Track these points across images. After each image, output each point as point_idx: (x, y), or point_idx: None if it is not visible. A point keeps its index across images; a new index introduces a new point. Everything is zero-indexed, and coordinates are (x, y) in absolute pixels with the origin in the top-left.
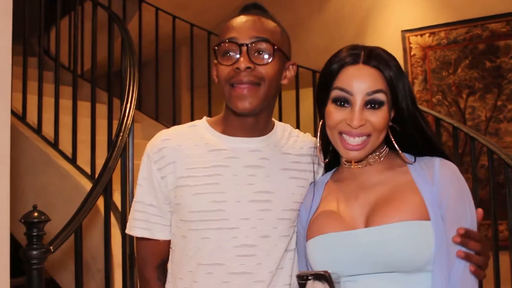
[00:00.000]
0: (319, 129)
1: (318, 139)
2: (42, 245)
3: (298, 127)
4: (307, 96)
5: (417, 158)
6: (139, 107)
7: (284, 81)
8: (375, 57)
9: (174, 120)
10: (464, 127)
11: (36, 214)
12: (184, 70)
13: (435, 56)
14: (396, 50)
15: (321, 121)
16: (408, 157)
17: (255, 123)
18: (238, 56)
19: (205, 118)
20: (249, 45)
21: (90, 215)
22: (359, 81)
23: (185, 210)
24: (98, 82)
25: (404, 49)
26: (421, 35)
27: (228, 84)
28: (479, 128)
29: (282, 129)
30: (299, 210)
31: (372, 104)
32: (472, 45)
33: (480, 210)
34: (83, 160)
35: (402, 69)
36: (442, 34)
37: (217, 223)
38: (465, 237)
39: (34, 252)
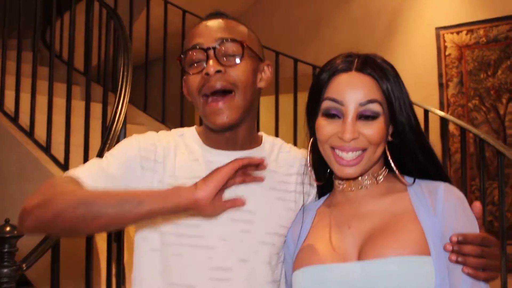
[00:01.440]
0: (309, 147)
1: (309, 157)
2: (13, 262)
3: None
4: None
5: (419, 181)
6: (144, 108)
7: (261, 84)
8: (370, 64)
9: (181, 123)
10: (491, 139)
11: (8, 228)
12: None
13: (472, 56)
14: (429, 49)
15: (312, 138)
16: (407, 179)
17: (233, 136)
18: (205, 61)
19: (194, 127)
20: (216, 47)
21: None
22: (352, 90)
23: (165, 219)
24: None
25: (438, 48)
26: (458, 32)
27: (200, 96)
28: None
29: (270, 144)
30: (285, 236)
31: (366, 115)
32: None
33: (477, 203)
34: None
35: (400, 78)
36: (481, 31)
37: (191, 240)
38: (460, 243)
39: (5, 270)
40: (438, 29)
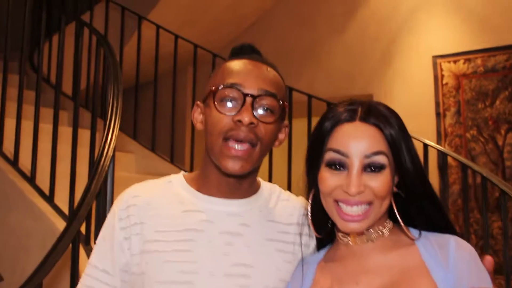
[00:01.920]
0: (310, 198)
1: (309, 209)
2: None
3: None
4: None
5: (426, 234)
6: (134, 135)
7: (276, 144)
8: (374, 113)
9: (172, 151)
10: (494, 178)
11: None
12: (189, 92)
13: (470, 85)
14: (426, 78)
15: (313, 190)
16: (413, 232)
17: (238, 184)
18: (240, 107)
19: (182, 173)
20: (256, 97)
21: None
22: (356, 141)
23: (151, 280)
24: (89, 106)
25: (435, 77)
26: (455, 61)
27: (221, 137)
28: None
29: (269, 191)
30: None
31: (371, 167)
32: None
33: (489, 257)
34: (63, 197)
35: (405, 126)
36: (479, 61)
37: None
38: None
39: None
40: (435, 57)
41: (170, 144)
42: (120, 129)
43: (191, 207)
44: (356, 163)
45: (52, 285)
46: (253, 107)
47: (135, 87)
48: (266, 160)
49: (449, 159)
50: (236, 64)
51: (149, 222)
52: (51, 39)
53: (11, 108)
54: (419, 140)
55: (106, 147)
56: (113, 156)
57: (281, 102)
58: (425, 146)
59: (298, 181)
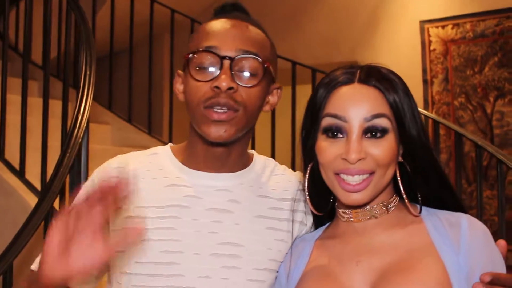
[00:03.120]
0: (307, 173)
1: (306, 184)
2: None
3: (293, 131)
4: (306, 94)
5: (436, 211)
6: (109, 105)
7: (266, 108)
8: (375, 75)
9: (149, 122)
10: (490, 146)
11: None
12: (166, 60)
13: (458, 51)
14: (413, 44)
15: (311, 163)
16: (419, 209)
17: (226, 155)
18: (218, 71)
19: (169, 145)
20: (234, 59)
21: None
22: (355, 104)
23: (131, 259)
24: (61, 75)
25: (423, 43)
26: (443, 26)
27: (201, 106)
28: (508, 138)
29: (262, 165)
30: (277, 272)
31: (373, 132)
32: (503, 39)
33: (503, 242)
34: (34, 172)
35: (409, 91)
36: (468, 26)
37: (168, 280)
38: (492, 284)
39: None
40: (422, 22)
41: (147, 114)
42: (95, 99)
43: (177, 181)
44: (355, 127)
45: (24, 266)
46: (231, 71)
47: (109, 56)
48: None
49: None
50: (213, 25)
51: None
52: (17, 4)
53: None
54: (428, 116)
55: (79, 118)
56: (87, 127)
57: (265, 65)
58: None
59: (281, 148)
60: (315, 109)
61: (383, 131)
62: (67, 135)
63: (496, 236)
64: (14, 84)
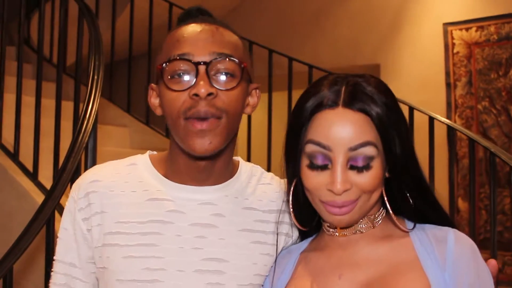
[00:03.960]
0: (291, 190)
1: (290, 202)
2: None
3: None
4: None
5: (423, 226)
6: (128, 108)
7: (247, 110)
8: (360, 96)
9: (167, 125)
10: (504, 154)
11: None
12: None
13: (482, 54)
14: (436, 46)
15: (294, 181)
16: (409, 224)
17: (210, 167)
18: (194, 79)
19: (148, 153)
20: (209, 63)
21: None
22: (339, 132)
23: (112, 277)
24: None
25: (446, 46)
26: (467, 29)
27: (182, 118)
28: None
29: (248, 174)
30: (262, 286)
31: (358, 166)
32: None
33: (493, 261)
34: (47, 174)
35: (397, 105)
36: (492, 28)
37: None
38: None
39: None
40: (446, 25)
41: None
42: (114, 102)
43: (158, 195)
44: (340, 157)
45: (26, 270)
46: (208, 76)
47: (128, 58)
48: (265, 128)
49: (460, 133)
50: (182, 32)
51: (110, 211)
52: (41, 9)
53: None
54: (425, 113)
55: (85, 121)
56: (94, 130)
57: (242, 65)
58: (431, 119)
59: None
60: (297, 130)
61: (369, 159)
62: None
63: None
64: (33, 86)
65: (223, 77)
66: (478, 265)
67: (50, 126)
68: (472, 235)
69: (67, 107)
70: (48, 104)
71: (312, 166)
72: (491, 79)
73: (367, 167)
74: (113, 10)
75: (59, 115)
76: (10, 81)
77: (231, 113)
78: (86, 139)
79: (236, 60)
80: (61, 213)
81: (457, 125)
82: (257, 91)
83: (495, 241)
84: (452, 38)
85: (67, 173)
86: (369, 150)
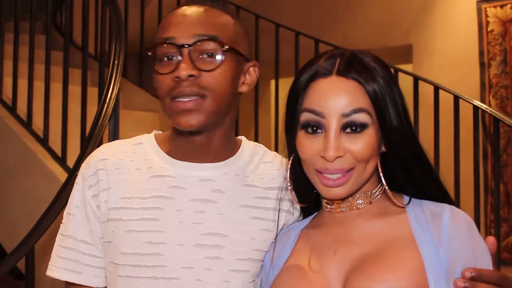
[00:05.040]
0: (289, 165)
1: (288, 177)
2: None
3: None
4: None
5: (420, 201)
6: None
7: (243, 88)
8: (355, 66)
9: None
10: None
11: None
12: None
13: None
14: (470, 25)
15: (292, 155)
16: (405, 199)
17: (206, 143)
18: (178, 61)
19: (154, 132)
20: (191, 46)
21: None
22: (332, 99)
23: (116, 250)
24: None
25: (480, 24)
26: (502, 6)
27: (169, 99)
28: None
29: (251, 152)
30: (262, 261)
31: (351, 127)
32: None
33: (492, 239)
34: (75, 159)
35: (393, 78)
36: None
37: (152, 271)
38: (474, 280)
39: None
40: (479, 2)
41: None
42: (144, 88)
43: (161, 172)
44: (333, 124)
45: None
46: (191, 58)
47: None
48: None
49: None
50: (170, 17)
51: (115, 187)
52: None
53: (24, 69)
54: (469, 101)
55: (105, 105)
56: (114, 114)
57: (223, 44)
58: (456, 98)
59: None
60: (294, 102)
61: (362, 126)
62: (93, 123)
63: None
64: (74, 74)
65: (206, 58)
66: (474, 242)
67: (78, 112)
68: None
69: (94, 93)
70: (76, 90)
71: (307, 132)
72: None
73: (361, 131)
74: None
75: (85, 100)
76: (41, 69)
77: (217, 92)
78: (106, 123)
79: (217, 40)
80: None
81: (483, 104)
82: (255, 68)
83: None
84: (486, 16)
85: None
86: (363, 117)
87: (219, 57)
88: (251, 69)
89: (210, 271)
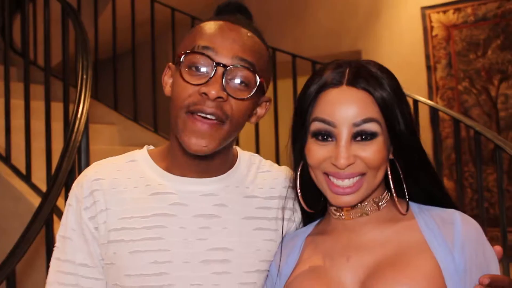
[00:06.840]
0: (298, 172)
1: (298, 185)
2: None
3: None
4: None
5: (428, 207)
6: (114, 106)
7: (252, 120)
8: (364, 76)
9: (155, 120)
10: (489, 132)
11: None
12: (170, 59)
13: (460, 36)
14: (415, 30)
15: (301, 162)
16: (412, 207)
17: (209, 161)
18: (209, 77)
19: (146, 148)
20: (228, 67)
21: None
22: (343, 109)
23: (120, 272)
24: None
25: (425, 29)
26: (444, 11)
27: (184, 111)
28: None
29: (247, 163)
30: (268, 271)
31: (362, 136)
32: (505, 22)
33: (498, 247)
34: (40, 175)
35: (400, 87)
36: (469, 10)
37: None
38: (490, 286)
39: None
40: (424, 8)
41: (152, 113)
42: (100, 100)
43: (160, 189)
44: (344, 133)
45: (27, 271)
46: (223, 79)
47: (113, 57)
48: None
49: (442, 114)
50: (212, 25)
51: (114, 208)
52: (22, 9)
53: None
54: (409, 96)
55: (77, 121)
56: (86, 129)
57: (260, 80)
58: (415, 101)
59: (286, 144)
60: (303, 111)
61: (372, 135)
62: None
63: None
64: (20, 88)
65: (237, 84)
66: (484, 247)
67: (40, 127)
68: None
69: (56, 108)
70: (36, 106)
71: (318, 140)
72: (470, 60)
73: (371, 139)
74: (95, 8)
75: (49, 116)
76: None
77: (235, 120)
78: (80, 138)
79: (256, 72)
80: (58, 214)
81: (439, 105)
82: (267, 103)
83: (484, 218)
84: (430, 21)
85: (63, 173)
86: (373, 126)
87: (251, 88)
88: (264, 103)
89: (219, 287)
